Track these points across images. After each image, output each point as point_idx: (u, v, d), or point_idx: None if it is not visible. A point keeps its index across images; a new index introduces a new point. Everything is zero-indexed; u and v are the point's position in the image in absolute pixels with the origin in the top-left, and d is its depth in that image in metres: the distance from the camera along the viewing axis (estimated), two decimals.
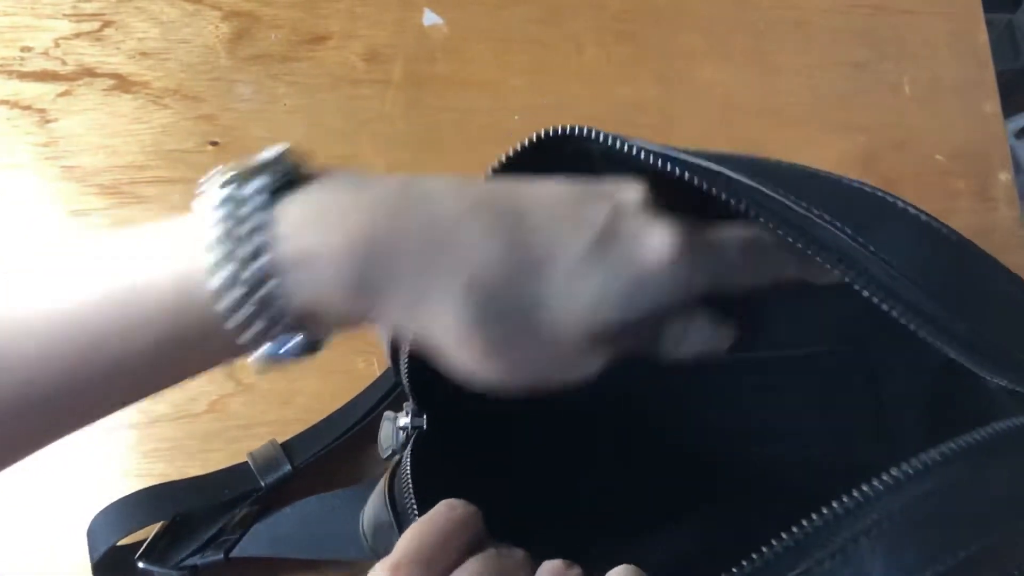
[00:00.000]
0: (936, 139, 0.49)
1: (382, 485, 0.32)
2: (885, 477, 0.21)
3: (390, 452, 0.33)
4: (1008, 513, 0.21)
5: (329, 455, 0.40)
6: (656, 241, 0.22)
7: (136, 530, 0.37)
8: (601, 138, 0.24)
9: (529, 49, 0.49)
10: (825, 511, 0.21)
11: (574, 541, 0.25)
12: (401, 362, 0.31)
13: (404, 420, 0.32)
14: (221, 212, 0.20)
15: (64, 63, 0.46)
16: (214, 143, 0.45)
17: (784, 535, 0.21)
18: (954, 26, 0.51)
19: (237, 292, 0.20)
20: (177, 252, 0.21)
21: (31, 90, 0.45)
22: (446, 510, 0.22)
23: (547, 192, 0.23)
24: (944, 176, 0.49)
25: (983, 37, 0.51)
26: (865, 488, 0.21)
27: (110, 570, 0.37)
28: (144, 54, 0.46)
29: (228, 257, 0.20)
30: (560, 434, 0.39)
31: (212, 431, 0.42)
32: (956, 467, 0.21)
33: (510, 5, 0.49)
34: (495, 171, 0.26)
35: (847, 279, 0.23)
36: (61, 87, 0.45)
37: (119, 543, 0.38)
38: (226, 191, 0.21)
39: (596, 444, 0.39)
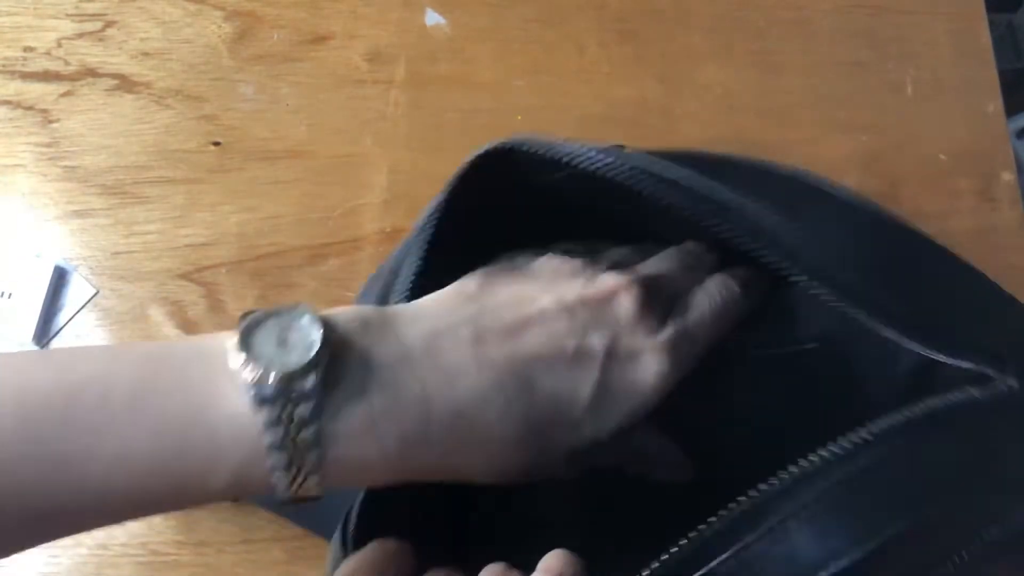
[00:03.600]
0: (938, 139, 0.49)
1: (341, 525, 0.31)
2: (813, 457, 0.21)
3: None
4: (940, 491, 0.21)
5: None
6: (653, 368, 0.25)
7: None
8: (532, 149, 0.25)
9: (531, 49, 0.49)
10: (754, 493, 0.21)
11: (528, 538, 0.25)
12: None
13: None
14: (273, 412, 0.21)
15: (66, 63, 0.46)
16: (216, 143, 0.45)
17: (712, 519, 0.21)
18: (956, 26, 0.51)
19: (282, 460, 0.21)
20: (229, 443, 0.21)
21: (33, 90, 0.45)
22: (377, 545, 0.23)
23: (550, 344, 0.25)
24: (946, 176, 0.49)
25: (985, 37, 0.51)
26: (794, 469, 0.21)
27: None
28: (146, 54, 0.46)
29: (281, 447, 0.21)
30: None
31: None
32: (885, 446, 0.21)
33: (512, 5, 0.49)
34: (448, 195, 0.27)
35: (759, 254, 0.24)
36: (63, 87, 0.45)
37: (124, 538, 0.38)
38: (274, 386, 0.21)
39: None
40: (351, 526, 0.29)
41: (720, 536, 0.21)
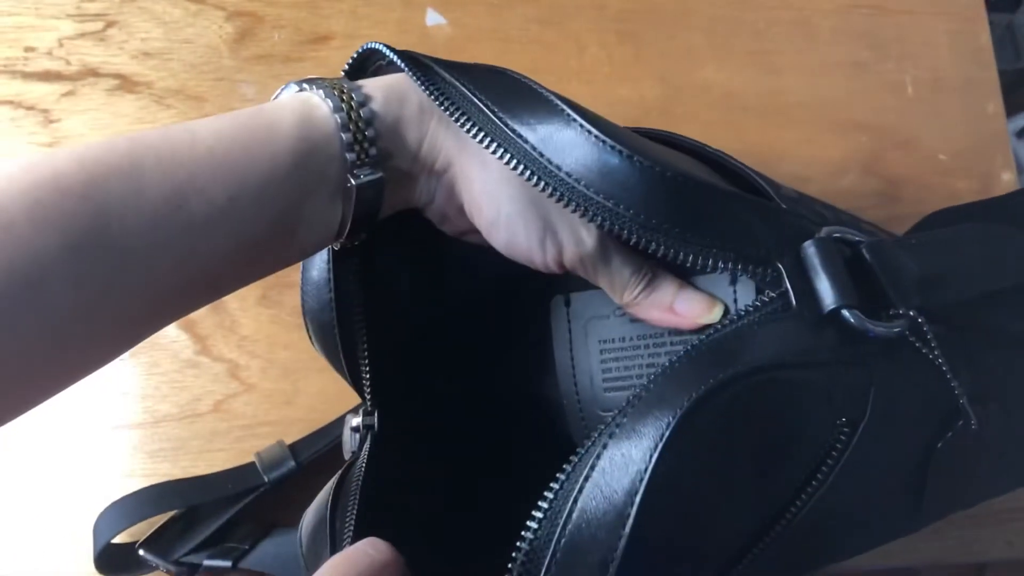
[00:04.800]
0: (938, 139, 0.49)
1: (328, 488, 0.31)
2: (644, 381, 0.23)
3: (351, 455, 0.33)
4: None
5: (333, 453, 0.40)
6: None
7: (139, 522, 0.38)
8: (388, 54, 0.28)
9: (531, 49, 0.49)
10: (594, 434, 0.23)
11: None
12: (360, 363, 0.31)
13: (356, 420, 0.33)
14: (323, 88, 0.27)
15: (68, 63, 0.46)
16: None
17: (585, 442, 0.23)
18: (956, 26, 0.51)
19: (345, 115, 0.26)
20: (293, 98, 0.27)
21: (35, 90, 0.45)
22: (369, 550, 0.23)
23: None
24: (946, 176, 0.49)
25: (985, 37, 0.51)
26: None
27: (112, 563, 0.38)
28: (147, 54, 0.46)
29: (330, 91, 0.27)
30: (512, 439, 0.39)
31: (216, 431, 0.42)
32: (700, 351, 0.23)
33: (512, 5, 0.49)
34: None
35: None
36: (65, 87, 0.45)
37: (122, 538, 0.38)
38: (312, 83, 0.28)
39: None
40: (351, 492, 0.29)
41: (572, 476, 0.22)
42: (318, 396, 0.42)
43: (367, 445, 0.32)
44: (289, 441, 0.40)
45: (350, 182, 0.26)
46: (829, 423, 0.24)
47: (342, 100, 0.27)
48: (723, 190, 0.26)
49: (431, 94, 0.27)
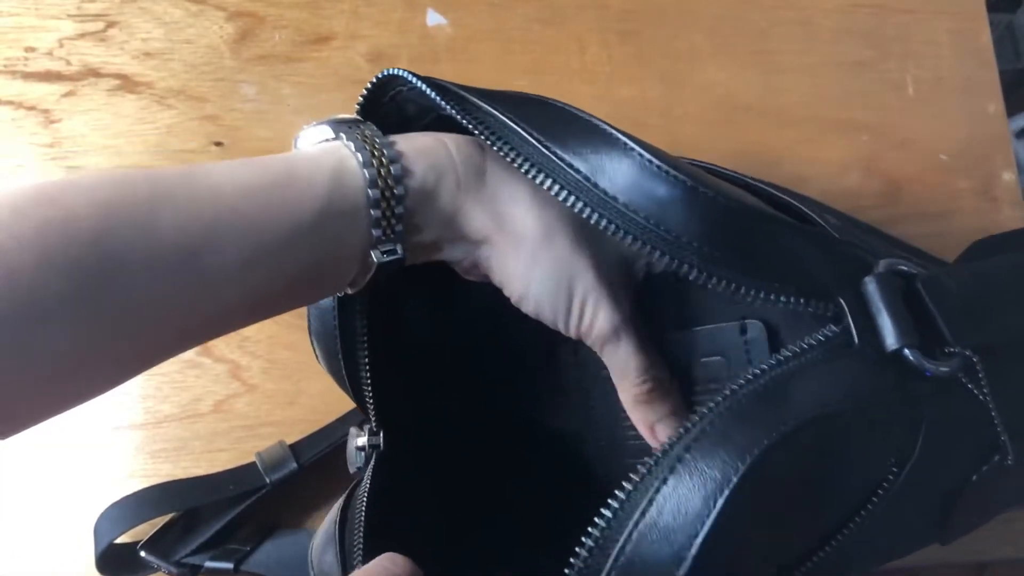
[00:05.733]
0: (939, 139, 0.49)
1: (336, 509, 0.31)
2: (702, 410, 0.22)
3: (355, 470, 0.33)
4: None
5: (335, 453, 0.40)
6: None
7: (140, 523, 0.38)
8: (412, 80, 0.28)
9: (532, 49, 0.49)
10: (664, 444, 0.22)
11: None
12: (364, 386, 0.31)
13: (362, 439, 0.33)
14: (354, 137, 0.26)
15: (68, 63, 0.46)
16: (218, 143, 0.46)
17: (632, 475, 0.22)
18: (957, 26, 0.51)
19: (375, 173, 0.25)
20: (326, 156, 0.26)
21: (35, 90, 0.45)
22: (388, 565, 0.23)
23: None
24: (947, 176, 0.49)
25: (986, 37, 0.51)
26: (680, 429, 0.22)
27: (113, 564, 0.38)
28: (148, 54, 0.46)
29: (368, 158, 0.26)
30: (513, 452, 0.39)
31: (218, 431, 0.42)
32: (757, 384, 0.23)
33: (513, 5, 0.49)
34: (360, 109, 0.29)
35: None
36: (65, 87, 0.45)
37: (124, 539, 0.38)
38: (344, 128, 0.27)
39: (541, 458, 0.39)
40: (357, 513, 0.29)
41: (634, 493, 0.22)
42: (319, 397, 0.42)
43: (372, 464, 0.32)
44: (290, 442, 0.40)
45: (372, 258, 0.26)
46: (883, 460, 0.24)
47: (379, 174, 0.25)
48: (785, 222, 0.25)
49: (468, 123, 0.26)
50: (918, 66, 0.50)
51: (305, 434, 0.41)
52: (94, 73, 0.46)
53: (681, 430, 0.22)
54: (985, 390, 0.25)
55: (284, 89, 0.47)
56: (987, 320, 0.25)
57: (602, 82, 0.49)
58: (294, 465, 0.39)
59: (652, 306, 0.33)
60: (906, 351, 0.23)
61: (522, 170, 0.25)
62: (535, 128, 0.26)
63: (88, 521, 0.38)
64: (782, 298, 0.24)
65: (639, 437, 0.36)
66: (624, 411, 0.37)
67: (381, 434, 0.32)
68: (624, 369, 0.30)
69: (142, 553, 0.38)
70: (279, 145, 0.46)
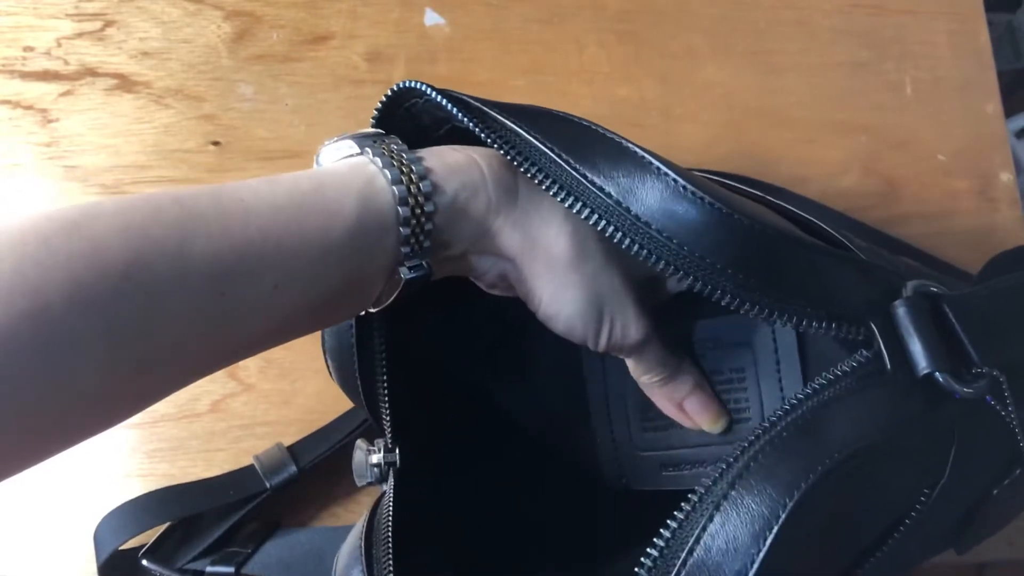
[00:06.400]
0: (937, 139, 0.49)
1: (359, 530, 0.31)
2: (742, 443, 0.23)
3: (365, 483, 0.33)
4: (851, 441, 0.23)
5: (335, 455, 0.40)
6: None
7: (141, 532, 0.37)
8: (430, 93, 0.27)
9: (530, 49, 0.49)
10: (705, 480, 0.22)
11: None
12: (380, 396, 0.31)
13: (376, 457, 0.32)
14: (380, 152, 0.26)
15: (66, 63, 0.46)
16: (216, 143, 0.45)
17: (676, 512, 0.22)
18: (956, 26, 0.51)
19: (404, 190, 0.25)
20: (354, 174, 0.25)
21: (33, 90, 0.45)
22: None
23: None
24: (945, 176, 0.49)
25: (985, 37, 0.51)
26: (728, 457, 0.22)
27: (115, 572, 0.37)
28: (146, 54, 0.46)
29: (397, 175, 0.25)
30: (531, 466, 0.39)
31: (215, 431, 0.42)
32: (795, 415, 0.23)
33: (511, 5, 0.49)
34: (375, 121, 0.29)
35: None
36: (63, 87, 0.45)
37: (125, 545, 0.38)
38: (368, 143, 0.26)
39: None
40: (383, 531, 0.29)
41: (685, 524, 0.22)
42: (316, 397, 0.42)
43: (391, 481, 0.32)
44: (287, 442, 0.40)
45: (399, 274, 0.26)
46: (916, 484, 0.25)
47: (409, 191, 0.25)
48: (818, 248, 0.25)
49: (492, 141, 0.26)
50: (916, 66, 0.50)
51: (303, 433, 0.41)
52: (92, 72, 0.46)
53: (723, 465, 0.22)
54: (1010, 408, 0.25)
55: (282, 88, 0.47)
56: (1011, 339, 0.26)
57: (600, 82, 0.49)
58: (294, 469, 0.39)
59: (680, 296, 0.34)
60: (937, 375, 0.24)
61: (551, 192, 0.25)
62: (563, 148, 0.25)
63: (84, 521, 0.38)
64: (814, 323, 0.24)
65: (658, 447, 0.36)
66: (645, 419, 0.37)
67: (397, 450, 0.32)
68: (647, 366, 0.32)
69: (144, 561, 0.37)
70: (277, 144, 0.46)
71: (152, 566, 0.37)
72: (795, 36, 0.50)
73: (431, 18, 0.49)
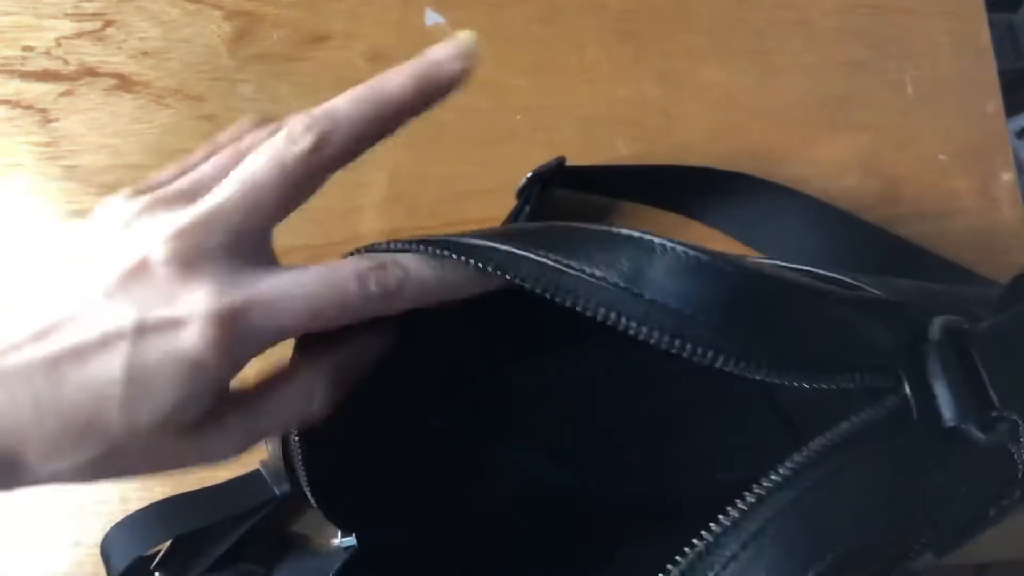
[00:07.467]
0: (938, 139, 0.49)
1: None
2: (757, 489, 0.21)
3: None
4: (872, 507, 0.22)
5: None
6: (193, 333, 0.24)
7: (151, 547, 0.37)
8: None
9: (530, 49, 0.49)
10: (706, 534, 0.21)
11: None
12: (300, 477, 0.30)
13: (335, 541, 0.33)
14: None
15: (66, 63, 0.46)
16: None
17: (670, 566, 0.21)
18: (956, 26, 0.51)
19: None
20: None
21: (32, 90, 0.45)
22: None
23: (75, 336, 0.24)
24: (946, 176, 0.49)
25: (985, 37, 0.51)
26: (739, 503, 0.21)
27: None
28: (146, 54, 0.46)
29: None
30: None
31: None
32: (815, 470, 0.22)
33: (511, 5, 0.49)
34: None
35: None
36: (63, 87, 0.45)
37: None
38: None
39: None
40: None
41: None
42: None
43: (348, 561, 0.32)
44: None
45: None
46: (923, 523, 0.24)
47: None
48: (835, 296, 0.24)
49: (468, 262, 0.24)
50: (917, 66, 0.50)
51: None
52: (91, 72, 0.46)
53: (736, 514, 0.21)
54: (1022, 449, 0.24)
55: (282, 88, 0.47)
56: None
57: (601, 82, 0.49)
58: None
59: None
60: (963, 426, 0.23)
61: (547, 295, 0.23)
62: (550, 251, 0.24)
63: (85, 522, 0.38)
64: (843, 384, 0.23)
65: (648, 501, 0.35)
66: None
67: (353, 536, 0.32)
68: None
69: (156, 574, 0.37)
70: None
71: None
72: (795, 36, 0.50)
73: (431, 18, 0.48)
